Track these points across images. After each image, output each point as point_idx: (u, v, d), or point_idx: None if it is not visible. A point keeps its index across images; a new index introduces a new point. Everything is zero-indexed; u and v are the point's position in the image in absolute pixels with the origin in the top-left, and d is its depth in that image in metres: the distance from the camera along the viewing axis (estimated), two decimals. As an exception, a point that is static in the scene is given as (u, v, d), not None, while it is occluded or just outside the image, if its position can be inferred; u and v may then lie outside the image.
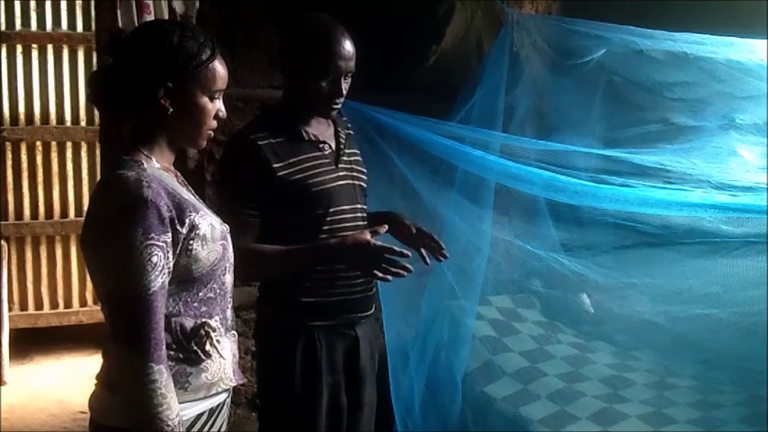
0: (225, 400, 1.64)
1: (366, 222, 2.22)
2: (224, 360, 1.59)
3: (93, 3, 3.92)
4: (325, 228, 2.10)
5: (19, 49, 4.79)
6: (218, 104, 1.60)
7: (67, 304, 4.97)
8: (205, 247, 1.53)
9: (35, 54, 4.82)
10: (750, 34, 2.71)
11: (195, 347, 1.54)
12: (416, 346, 2.99)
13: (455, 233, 3.01)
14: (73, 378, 4.32)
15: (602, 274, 2.91)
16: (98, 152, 4.58)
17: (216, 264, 1.57)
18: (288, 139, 2.09)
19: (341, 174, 2.16)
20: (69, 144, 4.92)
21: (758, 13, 2.89)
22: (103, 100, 1.60)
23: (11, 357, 4.36)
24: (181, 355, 1.52)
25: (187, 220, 1.49)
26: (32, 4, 4.79)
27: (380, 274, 1.98)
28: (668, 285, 2.87)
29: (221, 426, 1.64)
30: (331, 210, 2.11)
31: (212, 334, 1.56)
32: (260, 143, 2.05)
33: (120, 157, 1.53)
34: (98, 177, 4.30)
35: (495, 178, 2.83)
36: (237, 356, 1.68)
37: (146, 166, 1.51)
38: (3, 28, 4.73)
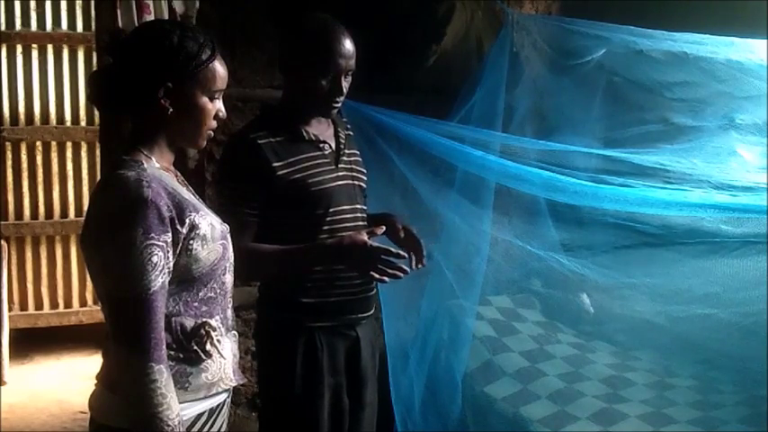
0: (225, 400, 1.64)
1: (366, 223, 2.22)
2: (224, 360, 1.59)
3: (93, 3, 3.92)
4: (325, 228, 2.10)
5: (19, 49, 4.79)
6: (218, 104, 1.60)
7: (67, 304, 4.97)
8: (205, 246, 1.53)
9: (35, 54, 4.82)
10: (750, 34, 2.71)
11: (195, 347, 1.54)
12: (416, 346, 2.99)
13: (455, 233, 3.01)
14: (73, 378, 4.32)
15: (602, 274, 2.91)
16: (98, 152, 4.58)
17: (216, 263, 1.57)
18: (288, 138, 2.09)
19: (341, 174, 2.16)
20: (69, 144, 4.92)
21: (758, 13, 2.89)
22: (103, 100, 1.60)
23: (11, 357, 4.36)
24: (181, 355, 1.52)
25: (187, 220, 1.49)
26: (32, 4, 4.79)
27: (377, 276, 1.99)
28: (668, 285, 2.87)
29: (221, 426, 1.64)
30: (331, 210, 2.11)
31: (213, 334, 1.56)
32: (260, 142, 2.05)
33: (120, 157, 1.53)
34: (98, 177, 4.30)
35: (495, 178, 2.83)
36: (238, 356, 1.68)
37: (146, 165, 1.51)
38: (3, 28, 4.73)
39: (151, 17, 2.56)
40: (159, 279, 1.43)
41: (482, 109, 2.97)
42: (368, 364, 2.23)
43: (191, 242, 1.50)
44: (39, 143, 4.85)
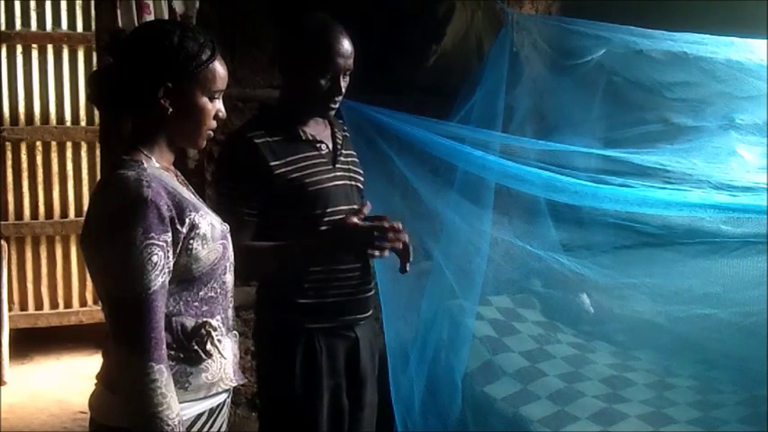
0: (225, 400, 1.64)
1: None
2: (225, 360, 1.59)
3: (93, 3, 3.92)
4: (323, 228, 2.10)
5: (19, 49, 4.79)
6: (218, 105, 1.60)
7: (67, 304, 4.98)
8: (205, 246, 1.53)
9: (35, 54, 4.82)
10: (750, 34, 2.71)
11: (196, 347, 1.54)
12: (416, 346, 2.99)
13: (455, 233, 3.01)
14: (73, 378, 4.32)
15: (602, 274, 2.91)
16: (98, 152, 4.58)
17: (216, 263, 1.57)
18: (285, 138, 2.09)
19: (338, 174, 2.16)
20: (69, 144, 4.92)
21: (758, 13, 2.89)
22: (103, 100, 1.60)
23: (11, 357, 4.37)
24: (181, 355, 1.52)
25: (187, 220, 1.49)
26: (32, 4, 4.79)
27: (376, 253, 2.00)
28: (668, 285, 2.87)
29: (221, 426, 1.64)
30: (328, 209, 2.11)
31: (213, 333, 1.56)
32: (257, 141, 2.05)
33: (120, 157, 1.53)
34: (98, 177, 4.30)
35: (495, 178, 2.82)
36: (238, 356, 1.68)
37: (146, 165, 1.51)
38: (3, 28, 4.73)
39: (151, 17, 2.56)
40: (159, 279, 1.43)
41: (482, 109, 2.97)
42: (367, 365, 2.22)
43: (191, 242, 1.50)
44: (39, 143, 4.85)
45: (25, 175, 4.84)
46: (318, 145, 2.15)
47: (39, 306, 4.91)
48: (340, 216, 2.12)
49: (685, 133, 2.91)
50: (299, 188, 2.07)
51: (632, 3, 3.14)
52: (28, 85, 4.82)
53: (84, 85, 4.85)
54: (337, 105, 2.15)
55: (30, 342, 4.71)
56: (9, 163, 4.80)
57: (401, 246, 2.05)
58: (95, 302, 4.87)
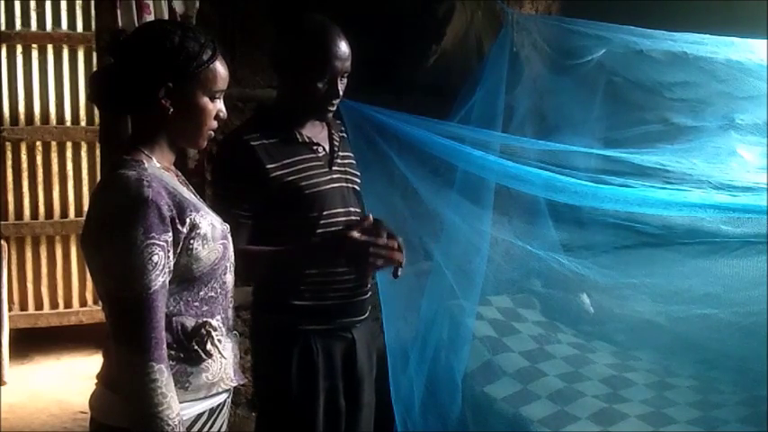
0: (225, 400, 1.64)
1: None
2: (225, 360, 1.59)
3: (93, 3, 3.92)
4: (319, 231, 2.09)
5: (19, 49, 4.78)
6: (219, 105, 1.60)
7: (67, 304, 4.97)
8: (206, 246, 1.53)
9: (35, 54, 4.81)
10: (750, 34, 2.71)
11: (196, 347, 1.54)
12: (416, 346, 2.99)
13: (455, 233, 3.01)
14: (73, 378, 4.32)
15: (602, 274, 2.91)
16: (98, 152, 4.58)
17: (217, 263, 1.57)
18: (281, 140, 2.09)
19: (334, 176, 2.15)
20: (69, 144, 4.91)
21: (758, 13, 2.89)
22: (104, 100, 1.61)
23: (11, 357, 4.36)
24: (181, 355, 1.52)
25: (188, 220, 1.49)
26: (32, 4, 4.78)
27: (369, 267, 2.01)
28: (668, 285, 2.87)
29: (221, 426, 1.64)
30: (324, 212, 2.10)
31: (213, 333, 1.56)
32: (253, 144, 2.04)
33: (120, 157, 1.53)
34: (98, 177, 4.30)
35: (495, 178, 2.82)
36: (238, 356, 1.68)
37: (146, 165, 1.51)
38: (3, 28, 4.72)
39: (151, 17, 2.56)
40: (160, 278, 1.43)
41: (482, 109, 2.97)
42: (364, 366, 2.22)
43: (191, 242, 1.50)
44: (39, 143, 4.85)
45: (25, 175, 4.83)
46: (315, 147, 2.14)
47: (39, 306, 4.90)
48: (336, 219, 2.12)
49: (685, 133, 2.91)
50: (296, 191, 2.06)
51: (632, 3, 3.14)
52: (28, 85, 4.81)
53: (84, 85, 4.85)
54: (335, 108, 2.15)
55: (30, 342, 4.70)
56: (9, 163, 4.78)
57: (396, 261, 2.05)
58: (95, 302, 4.87)
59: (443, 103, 3.01)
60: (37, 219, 4.87)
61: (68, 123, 4.91)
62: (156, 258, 1.42)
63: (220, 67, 1.57)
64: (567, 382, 2.96)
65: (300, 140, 2.12)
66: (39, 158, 4.86)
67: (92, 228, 1.49)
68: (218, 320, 1.59)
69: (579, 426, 2.70)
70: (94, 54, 4.58)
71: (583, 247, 3.03)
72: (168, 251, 1.45)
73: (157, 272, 1.42)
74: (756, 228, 2.56)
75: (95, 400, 1.56)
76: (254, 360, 2.26)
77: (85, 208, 4.70)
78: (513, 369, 3.02)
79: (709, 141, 2.79)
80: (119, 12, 2.54)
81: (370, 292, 2.25)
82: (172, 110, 1.53)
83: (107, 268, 1.45)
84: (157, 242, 1.42)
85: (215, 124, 1.61)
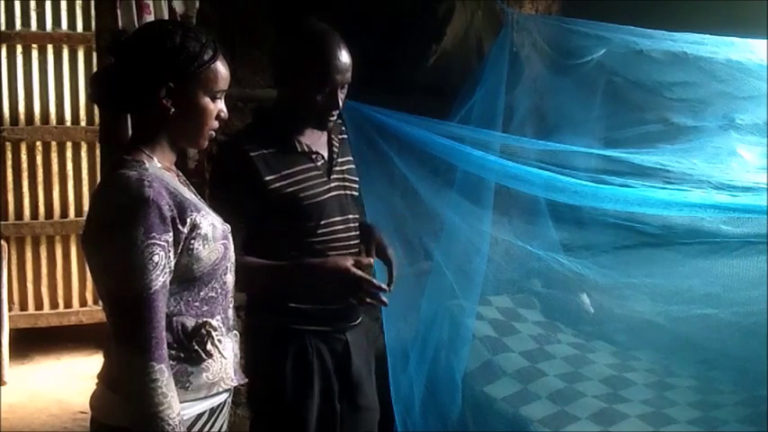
0: (225, 399, 1.64)
1: (358, 232, 2.21)
2: (225, 360, 1.60)
3: (93, 3, 3.92)
4: (316, 240, 2.10)
5: (19, 49, 4.79)
6: (220, 105, 1.60)
7: (67, 304, 4.97)
8: (206, 246, 1.53)
9: (35, 54, 4.82)
10: (750, 34, 2.71)
11: (196, 347, 1.54)
12: (416, 346, 2.99)
13: (455, 233, 3.01)
14: (73, 378, 4.32)
15: (602, 274, 2.91)
16: (98, 152, 4.58)
17: (217, 263, 1.57)
18: (280, 149, 2.08)
19: (332, 185, 2.15)
20: (69, 144, 4.92)
21: (758, 13, 2.89)
22: (106, 100, 1.61)
23: (11, 357, 4.36)
24: (182, 355, 1.52)
25: (188, 220, 1.49)
26: (32, 4, 4.79)
27: (355, 302, 2.03)
28: (668, 285, 2.87)
29: (222, 425, 1.64)
30: (322, 222, 2.10)
31: (213, 333, 1.57)
32: (252, 155, 2.03)
33: (121, 157, 1.53)
34: (98, 177, 4.31)
35: (495, 178, 2.82)
36: (239, 356, 1.68)
37: (147, 165, 1.51)
38: (3, 28, 4.73)
39: (151, 17, 2.56)
40: (160, 278, 1.43)
41: (482, 109, 2.97)
42: (360, 368, 2.22)
43: (192, 242, 1.50)
44: (39, 143, 4.85)
45: (25, 175, 4.84)
46: (314, 156, 2.13)
47: (39, 306, 4.91)
48: (334, 227, 2.12)
49: (685, 133, 2.90)
50: (294, 201, 2.06)
51: (632, 3, 3.14)
52: (28, 85, 4.81)
53: (84, 85, 4.85)
54: (335, 118, 2.13)
55: (30, 342, 4.71)
56: (9, 163, 4.79)
57: (382, 304, 2.07)
58: (95, 302, 4.87)
59: (443, 103, 3.01)
60: (37, 219, 4.88)
61: (68, 123, 4.91)
62: (156, 258, 1.42)
63: (221, 68, 1.57)
64: (567, 382, 2.96)
65: (299, 150, 2.11)
66: (39, 158, 4.86)
67: (92, 227, 1.49)
68: (218, 320, 1.59)
69: (579, 426, 2.70)
70: (94, 54, 4.58)
71: (583, 247, 3.03)
72: (169, 251, 1.45)
73: (158, 272, 1.42)
74: (756, 228, 2.56)
75: (96, 400, 1.56)
76: (247, 359, 2.26)
77: (85, 208, 4.72)
78: (513, 369, 3.02)
79: (709, 141, 2.78)
80: (119, 12, 2.54)
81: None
82: (173, 110, 1.53)
83: (108, 268, 1.45)
84: (158, 242, 1.42)
85: (216, 124, 1.61)
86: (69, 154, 4.93)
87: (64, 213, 4.94)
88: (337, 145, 2.20)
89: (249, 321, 2.22)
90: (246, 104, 3.04)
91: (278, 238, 2.08)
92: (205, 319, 1.56)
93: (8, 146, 4.78)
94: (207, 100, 1.57)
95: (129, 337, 1.42)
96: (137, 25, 2.50)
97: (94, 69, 4.37)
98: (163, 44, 1.52)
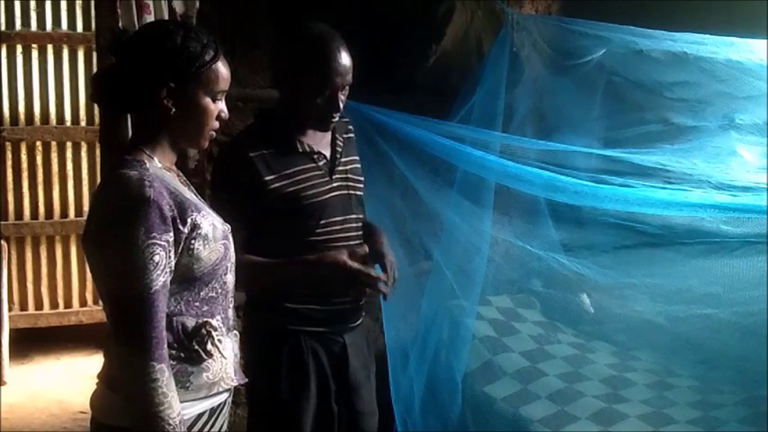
0: (226, 399, 1.64)
1: (360, 232, 2.21)
2: (225, 360, 1.60)
3: (93, 3, 3.92)
4: (317, 239, 2.09)
5: (19, 49, 4.78)
6: (221, 105, 1.60)
7: (67, 304, 4.96)
8: (207, 246, 1.53)
9: (35, 54, 4.81)
10: (750, 34, 2.71)
11: (196, 347, 1.54)
12: (416, 346, 2.99)
13: (455, 233, 3.02)
14: (73, 378, 4.31)
15: (602, 274, 2.91)
16: (98, 152, 4.57)
17: (217, 263, 1.57)
18: (281, 150, 2.07)
19: (335, 185, 2.14)
20: (69, 144, 4.91)
21: (758, 13, 2.89)
22: (106, 100, 1.61)
23: (11, 357, 4.36)
24: (182, 355, 1.53)
25: (189, 220, 1.49)
26: (32, 4, 4.78)
27: (354, 294, 2.07)
28: (668, 285, 2.87)
29: (222, 425, 1.64)
30: (322, 222, 2.10)
31: (214, 333, 1.57)
32: (252, 155, 2.03)
33: (122, 157, 1.53)
34: (98, 177, 4.31)
35: (495, 178, 2.83)
36: (239, 356, 1.68)
37: (148, 165, 1.51)
38: (3, 28, 4.72)
39: (151, 17, 2.56)
40: (161, 278, 1.43)
41: (482, 109, 2.97)
42: (358, 371, 2.21)
43: (192, 242, 1.50)
44: (39, 143, 4.84)
45: (25, 175, 4.83)
46: (316, 156, 2.12)
47: (39, 306, 4.90)
48: (335, 227, 2.12)
49: (685, 133, 2.91)
50: (294, 202, 2.06)
51: (632, 3, 3.14)
52: (28, 85, 4.81)
53: (84, 85, 4.85)
54: (336, 120, 2.12)
55: (30, 342, 4.70)
56: (9, 163, 4.78)
57: (381, 293, 2.08)
58: (95, 302, 4.87)
59: (443, 103, 3.01)
60: (37, 219, 4.87)
61: (68, 123, 4.90)
62: (157, 258, 1.42)
63: (222, 68, 1.57)
64: (567, 382, 2.96)
65: (301, 150, 2.10)
66: (39, 158, 4.85)
67: (93, 227, 1.49)
68: (218, 320, 1.59)
69: (579, 426, 2.70)
70: (94, 54, 4.58)
71: (583, 247, 3.03)
72: (169, 251, 1.45)
73: (158, 272, 1.43)
74: (756, 228, 2.56)
75: (96, 400, 1.56)
76: (244, 358, 2.26)
77: (85, 208, 4.73)
78: (513, 369, 3.02)
79: (709, 141, 2.78)
80: (119, 12, 2.54)
81: (363, 300, 2.25)
82: (173, 110, 1.54)
83: (108, 268, 1.45)
84: (158, 242, 1.42)
85: (217, 124, 1.61)
86: (69, 154, 4.92)
87: (64, 213, 4.93)
88: (341, 144, 2.20)
89: (247, 321, 2.22)
90: (246, 104, 3.04)
91: (278, 238, 2.08)
92: (205, 319, 1.56)
93: (8, 146, 4.77)
94: (207, 100, 1.57)
95: (130, 336, 1.43)
96: (137, 25, 2.50)
97: (94, 69, 4.37)
98: (164, 44, 1.52)
